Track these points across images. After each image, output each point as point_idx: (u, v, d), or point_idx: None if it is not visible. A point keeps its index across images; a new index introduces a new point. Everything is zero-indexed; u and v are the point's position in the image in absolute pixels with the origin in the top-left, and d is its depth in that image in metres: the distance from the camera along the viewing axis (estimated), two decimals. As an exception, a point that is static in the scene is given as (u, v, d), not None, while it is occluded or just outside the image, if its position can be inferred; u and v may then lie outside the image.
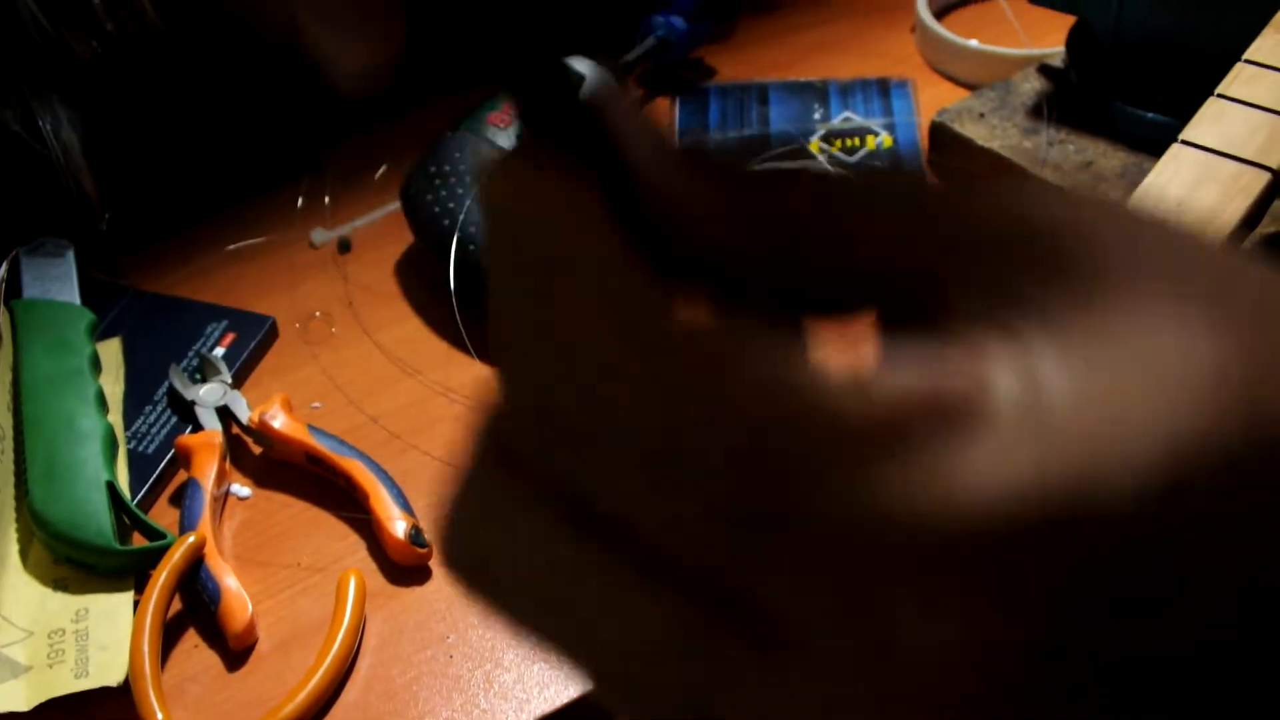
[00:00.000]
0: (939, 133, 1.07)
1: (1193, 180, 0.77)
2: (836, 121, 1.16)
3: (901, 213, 0.31)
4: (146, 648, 0.80)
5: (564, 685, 0.79)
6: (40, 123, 1.05)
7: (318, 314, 1.05)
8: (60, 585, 0.85)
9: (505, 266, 0.33)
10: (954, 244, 0.30)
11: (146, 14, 1.10)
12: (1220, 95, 0.84)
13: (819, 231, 0.32)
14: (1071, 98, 1.06)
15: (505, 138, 1.06)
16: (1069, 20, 1.10)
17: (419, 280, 1.07)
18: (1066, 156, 1.02)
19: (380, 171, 1.18)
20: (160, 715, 0.77)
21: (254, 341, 1.02)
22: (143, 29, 1.11)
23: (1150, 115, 1.01)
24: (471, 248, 0.99)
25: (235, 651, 0.83)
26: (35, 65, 1.07)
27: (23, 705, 0.79)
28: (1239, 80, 0.85)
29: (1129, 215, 0.30)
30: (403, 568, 0.87)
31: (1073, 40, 1.09)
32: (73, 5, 1.09)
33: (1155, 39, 1.03)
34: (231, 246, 1.12)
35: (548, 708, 0.79)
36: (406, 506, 0.88)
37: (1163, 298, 0.28)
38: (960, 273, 0.30)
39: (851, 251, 0.31)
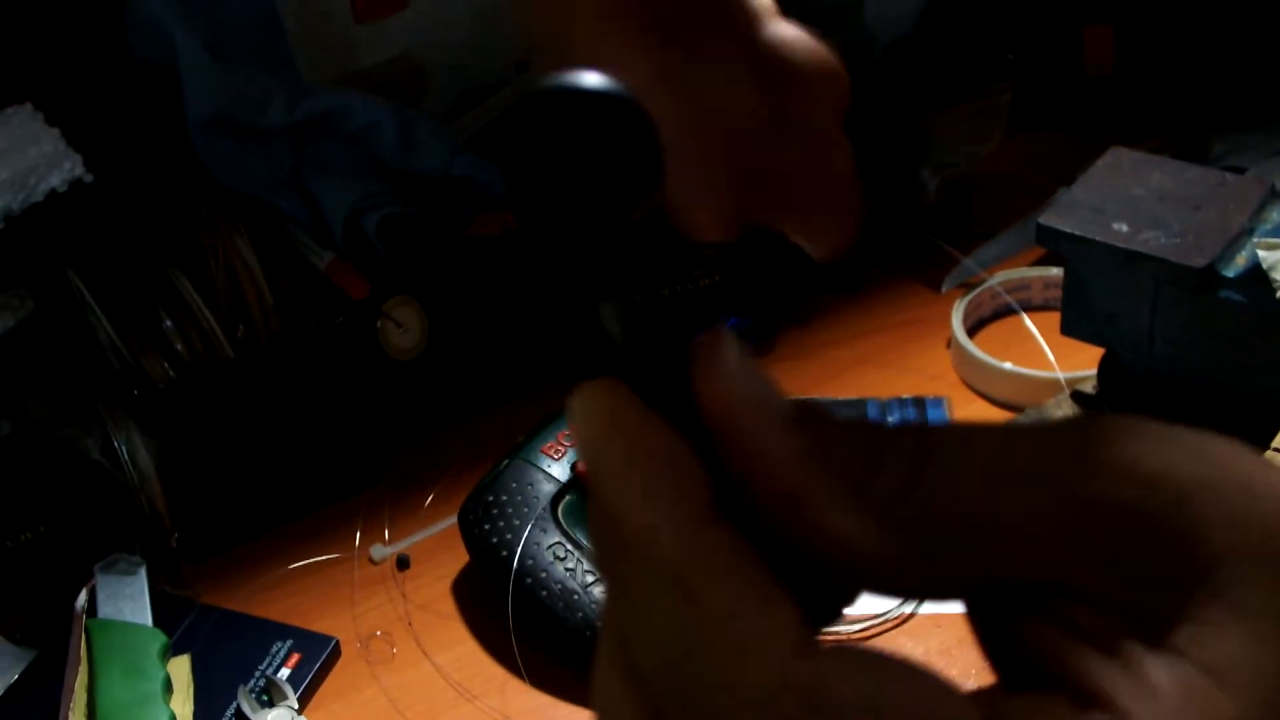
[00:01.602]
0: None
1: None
2: (877, 441, 1.19)
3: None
4: None
5: None
6: (117, 447, 1.09)
7: (379, 633, 1.07)
8: None
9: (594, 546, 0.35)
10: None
11: (218, 340, 1.14)
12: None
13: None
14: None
15: (559, 468, 1.09)
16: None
17: (476, 600, 1.10)
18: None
19: (437, 485, 1.21)
20: None
21: (318, 663, 1.04)
22: (214, 355, 1.15)
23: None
24: (529, 580, 1.02)
25: None
26: (112, 391, 1.12)
27: None
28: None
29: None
30: None
31: (1103, 370, 1.13)
32: (147, 331, 1.13)
33: (1185, 377, 1.06)
34: (294, 565, 1.15)
35: None
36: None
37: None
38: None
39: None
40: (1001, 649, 0.34)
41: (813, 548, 0.33)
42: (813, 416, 0.34)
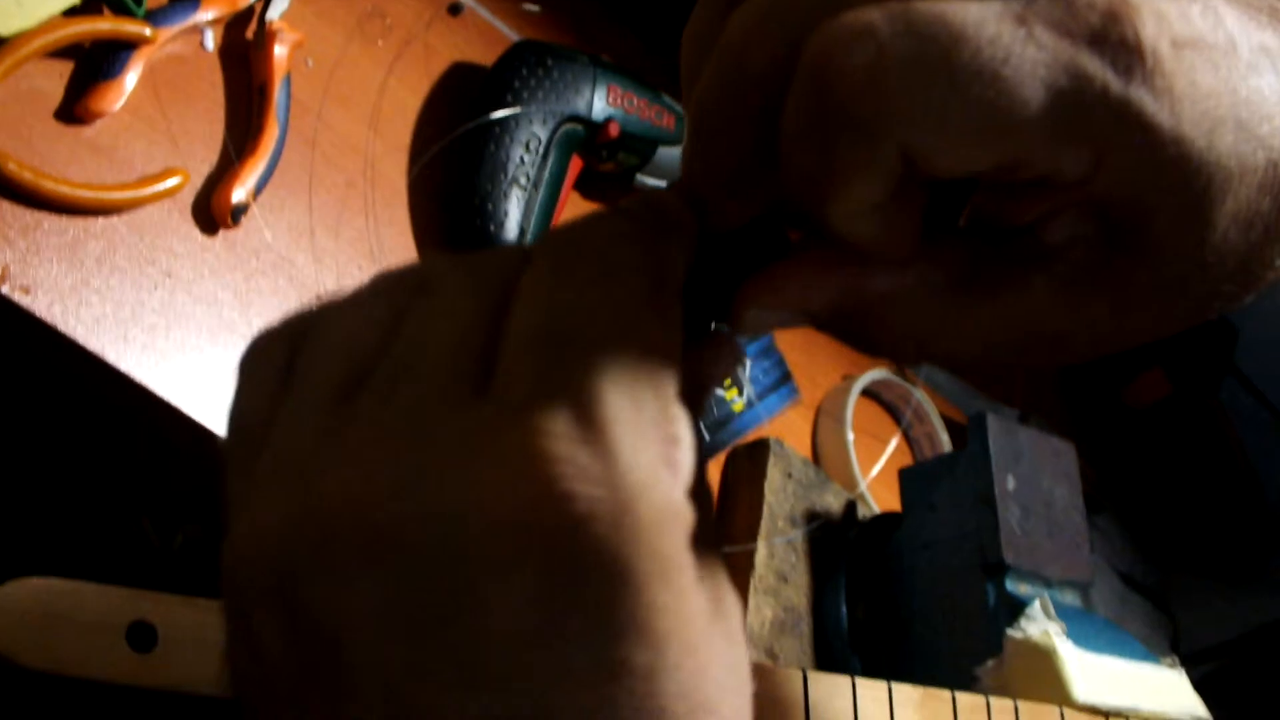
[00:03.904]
0: (760, 446, 1.16)
1: None
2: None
3: None
4: (36, 43, 0.83)
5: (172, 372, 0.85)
6: None
7: (387, 22, 1.08)
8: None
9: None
10: None
11: None
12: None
13: None
14: (835, 543, 1.15)
15: (601, 104, 1.09)
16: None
17: (455, 89, 1.11)
18: (784, 558, 1.11)
19: (536, 9, 1.22)
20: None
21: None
22: None
23: (841, 611, 1.10)
24: (485, 138, 1.04)
25: (75, 114, 0.86)
26: None
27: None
28: None
29: None
30: (209, 210, 0.91)
31: (874, 523, 1.18)
32: None
33: (897, 599, 1.12)
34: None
35: (150, 381, 0.84)
36: (262, 185, 0.92)
37: None
38: None
39: None
40: None
41: None
42: None
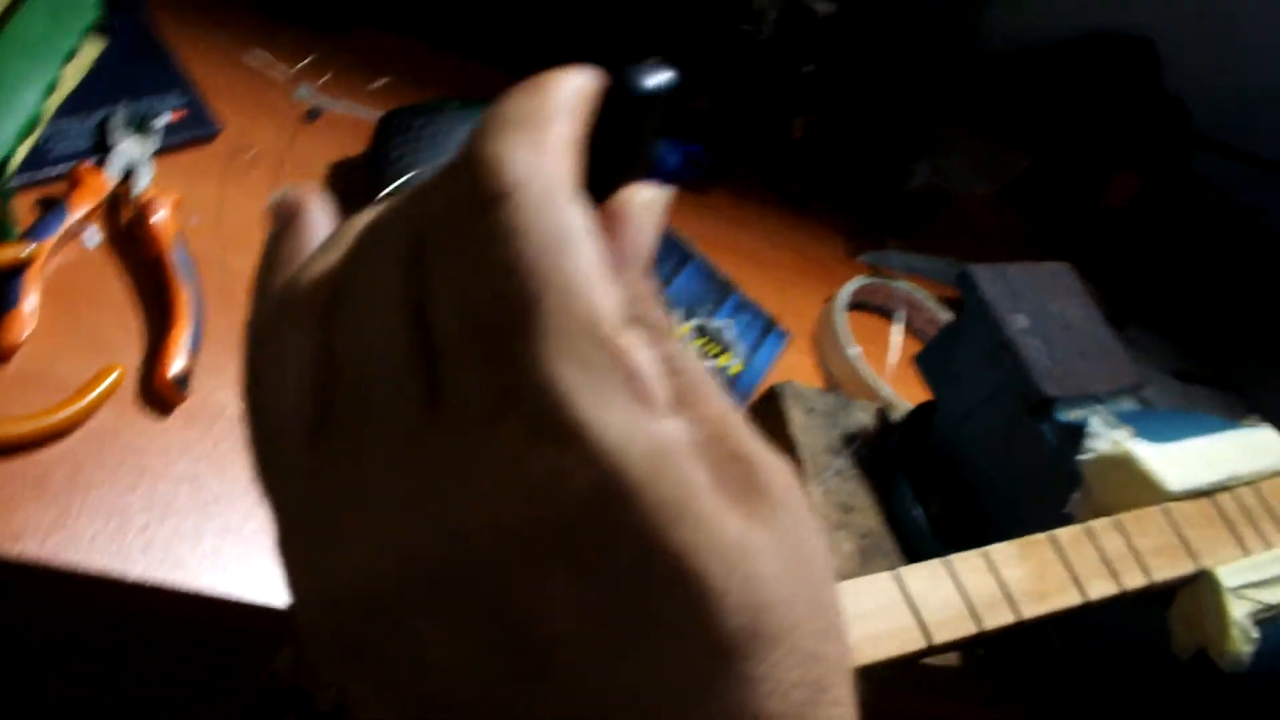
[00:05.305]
0: (772, 395, 1.13)
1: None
2: (716, 322, 1.22)
3: None
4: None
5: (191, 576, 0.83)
6: None
7: (253, 152, 1.07)
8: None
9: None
10: None
11: None
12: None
13: None
14: (882, 454, 1.13)
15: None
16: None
17: (342, 186, 1.10)
18: (839, 488, 1.08)
19: (384, 81, 1.21)
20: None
21: (193, 135, 1.04)
22: None
23: (916, 514, 1.08)
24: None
25: (-12, 356, 0.84)
26: None
27: None
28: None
29: None
30: (155, 392, 0.88)
31: (916, 412, 1.15)
32: None
33: (964, 459, 1.10)
34: (248, 55, 1.15)
35: (158, 580, 0.82)
36: (196, 348, 0.90)
37: None
38: None
39: None
40: None
41: None
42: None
